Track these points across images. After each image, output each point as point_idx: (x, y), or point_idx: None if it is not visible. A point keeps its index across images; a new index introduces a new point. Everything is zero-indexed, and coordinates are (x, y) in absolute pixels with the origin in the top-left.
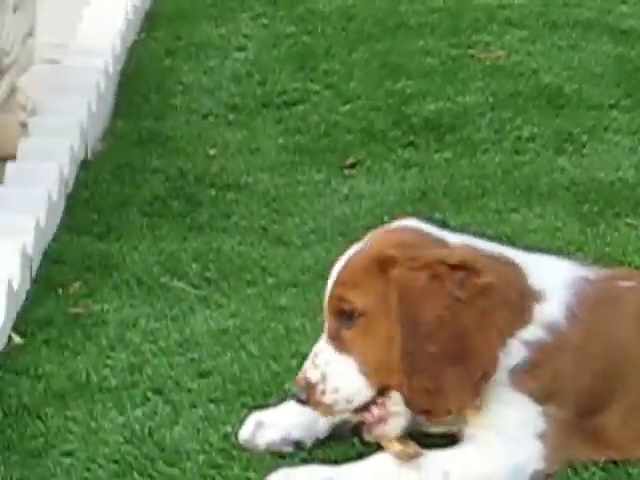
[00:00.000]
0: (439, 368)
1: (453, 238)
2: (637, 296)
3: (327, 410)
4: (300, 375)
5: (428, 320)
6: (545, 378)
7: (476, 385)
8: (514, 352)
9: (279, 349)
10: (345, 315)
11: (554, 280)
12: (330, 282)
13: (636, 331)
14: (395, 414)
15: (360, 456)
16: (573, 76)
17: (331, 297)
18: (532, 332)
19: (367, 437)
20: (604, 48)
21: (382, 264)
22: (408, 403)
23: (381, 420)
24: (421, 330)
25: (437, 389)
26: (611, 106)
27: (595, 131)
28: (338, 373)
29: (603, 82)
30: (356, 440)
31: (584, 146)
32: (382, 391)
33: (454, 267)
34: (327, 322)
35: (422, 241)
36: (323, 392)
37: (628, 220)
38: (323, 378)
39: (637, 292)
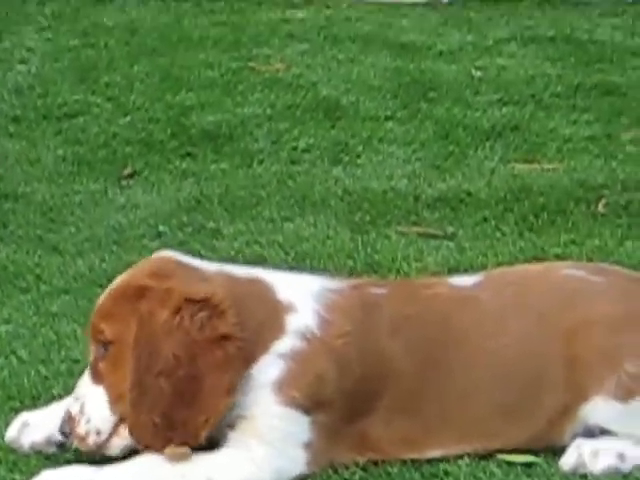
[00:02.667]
0: (169, 405)
1: (210, 267)
2: (387, 301)
3: (82, 443)
4: (66, 408)
5: (164, 356)
6: (309, 386)
7: (199, 430)
8: (271, 366)
9: (49, 354)
10: (101, 345)
11: (301, 292)
12: (94, 310)
13: (392, 336)
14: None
15: (126, 457)
16: (351, 88)
17: (91, 326)
18: (286, 343)
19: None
20: (383, 61)
21: (134, 294)
22: (132, 434)
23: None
24: (155, 364)
25: (164, 427)
26: (387, 118)
27: (370, 142)
28: (91, 404)
29: (380, 95)
30: None
31: (359, 157)
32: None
33: (199, 303)
34: (91, 351)
35: (177, 270)
36: (79, 423)
37: (399, 228)
38: (81, 410)
39: (389, 299)
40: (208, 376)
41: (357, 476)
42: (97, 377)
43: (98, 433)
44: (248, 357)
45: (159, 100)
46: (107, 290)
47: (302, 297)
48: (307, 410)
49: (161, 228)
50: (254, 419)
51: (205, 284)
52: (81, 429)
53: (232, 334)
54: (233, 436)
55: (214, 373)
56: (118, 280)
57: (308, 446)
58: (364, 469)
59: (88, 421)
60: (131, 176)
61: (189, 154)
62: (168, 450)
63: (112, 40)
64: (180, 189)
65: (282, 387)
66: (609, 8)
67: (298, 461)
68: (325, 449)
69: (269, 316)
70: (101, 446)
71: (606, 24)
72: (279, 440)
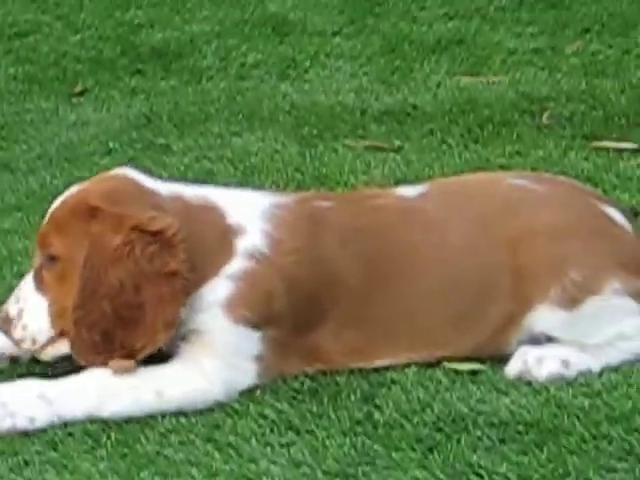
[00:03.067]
0: (108, 328)
1: (165, 189)
2: (337, 215)
3: (17, 345)
4: (3, 306)
5: (111, 282)
6: (258, 304)
7: (134, 354)
8: (220, 287)
9: (1, 269)
10: (48, 255)
11: (250, 213)
12: (45, 218)
13: (340, 249)
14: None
15: (77, 370)
16: (298, 4)
17: (40, 234)
18: (236, 264)
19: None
20: None
21: (86, 213)
22: (73, 350)
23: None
24: (101, 287)
25: (103, 345)
26: (334, 33)
27: (318, 57)
28: (31, 311)
29: (327, 10)
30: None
31: (307, 72)
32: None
33: (151, 234)
34: (36, 257)
35: (133, 191)
36: (15, 327)
37: (346, 142)
38: (19, 314)
39: (336, 212)
40: (151, 307)
41: (306, 386)
42: (40, 285)
43: (33, 342)
44: (197, 282)
45: (109, 18)
46: (60, 200)
47: (251, 218)
48: (257, 326)
49: (111, 145)
50: (206, 334)
51: (159, 213)
52: (17, 334)
53: (180, 271)
54: (184, 349)
55: (157, 305)
56: (73, 192)
57: (259, 359)
58: (313, 379)
59: (24, 328)
60: (81, 94)
61: (139, 71)
62: (112, 363)
63: None
64: (130, 106)
65: (231, 306)
66: None
67: (248, 373)
68: (275, 361)
69: (220, 241)
70: (35, 352)
71: None
72: (230, 354)
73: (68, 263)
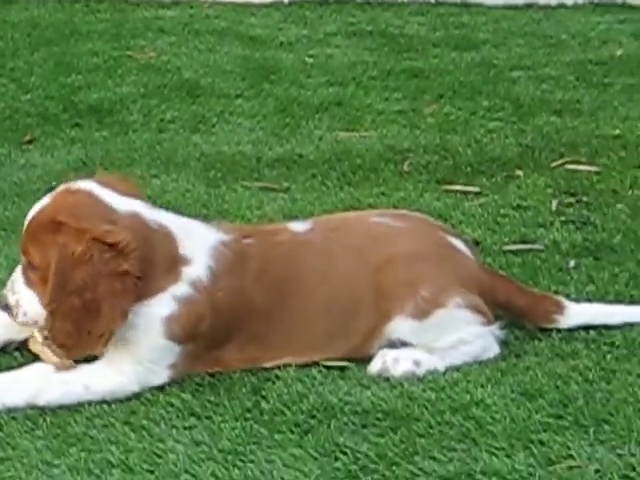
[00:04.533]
0: (78, 317)
1: (124, 207)
2: (254, 250)
3: (22, 325)
4: (3, 292)
5: (76, 281)
6: (187, 325)
7: (99, 338)
8: (165, 304)
9: None
10: (29, 262)
11: (199, 246)
12: (24, 226)
13: (253, 280)
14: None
15: (21, 365)
16: (208, 72)
17: (22, 243)
18: (181, 289)
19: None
20: (235, 51)
21: (54, 227)
22: (50, 337)
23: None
24: (68, 286)
25: (74, 332)
26: (237, 96)
27: (223, 115)
28: (26, 302)
29: (232, 77)
30: (19, 354)
31: (214, 126)
32: None
33: (107, 245)
34: (22, 258)
35: (94, 207)
36: (17, 315)
37: (244, 183)
38: (17, 304)
39: (255, 247)
40: (107, 301)
41: (206, 380)
42: (29, 282)
43: (35, 323)
44: (143, 293)
45: (54, 81)
46: (34, 213)
47: (199, 252)
48: (180, 341)
49: (54, 184)
50: (136, 343)
51: (115, 227)
52: (19, 319)
53: (131, 271)
54: (111, 352)
55: (112, 299)
56: (43, 205)
57: (172, 367)
58: (211, 375)
59: (25, 314)
60: (30, 142)
61: (77, 124)
62: (58, 361)
63: (17, 33)
64: (70, 152)
65: (169, 323)
66: (416, 8)
67: (161, 377)
68: (185, 369)
69: (169, 265)
70: (40, 329)
71: (414, 21)
72: (149, 361)
73: (45, 269)
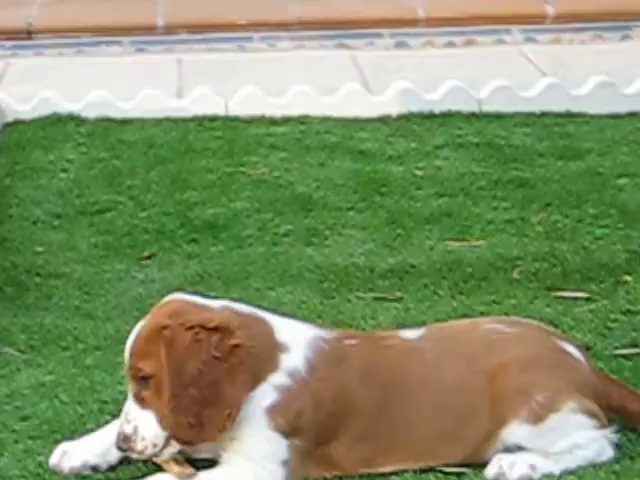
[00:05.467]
0: (198, 409)
1: (215, 304)
2: (358, 351)
3: (141, 454)
4: (119, 430)
5: (190, 372)
6: (290, 416)
7: (224, 421)
8: (266, 394)
9: (84, 397)
10: (141, 379)
11: (296, 336)
12: (126, 353)
13: (357, 379)
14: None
15: (144, 476)
16: (320, 186)
17: (129, 367)
18: (280, 378)
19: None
20: (345, 164)
21: (159, 332)
22: (174, 436)
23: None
24: (185, 379)
25: (197, 424)
26: (348, 208)
27: (336, 227)
28: (143, 425)
29: (343, 190)
30: (142, 464)
31: (327, 239)
32: None
33: (212, 330)
34: (130, 386)
35: (189, 308)
36: (135, 441)
37: (358, 294)
38: (135, 431)
39: (358, 348)
40: (227, 379)
41: None
42: (143, 404)
43: (154, 446)
44: (255, 368)
45: (170, 198)
46: (134, 335)
47: (296, 341)
48: (287, 435)
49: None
50: (243, 440)
51: (215, 315)
52: (139, 446)
53: (242, 344)
54: (226, 456)
55: (231, 375)
56: (143, 323)
57: (285, 463)
58: None
59: (143, 439)
60: (148, 257)
61: (194, 239)
62: (178, 470)
63: (133, 152)
64: (187, 267)
65: (273, 413)
66: (522, 119)
67: (277, 475)
68: (298, 466)
69: (268, 352)
70: (156, 454)
71: (519, 132)
72: (262, 457)
73: (158, 376)
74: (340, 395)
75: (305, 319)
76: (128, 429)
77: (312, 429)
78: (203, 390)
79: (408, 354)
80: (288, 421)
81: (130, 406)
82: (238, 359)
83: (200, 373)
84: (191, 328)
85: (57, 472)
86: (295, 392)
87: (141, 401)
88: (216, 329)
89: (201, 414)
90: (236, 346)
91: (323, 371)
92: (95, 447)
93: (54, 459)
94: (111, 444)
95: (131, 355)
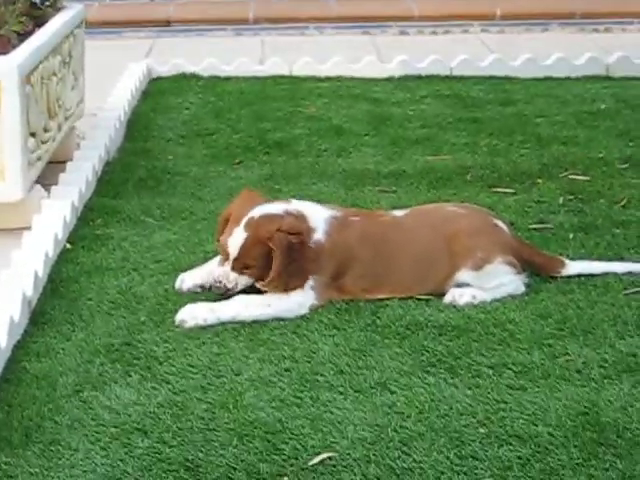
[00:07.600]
0: (293, 274)
1: (279, 208)
2: (359, 223)
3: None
4: (220, 284)
5: (290, 258)
6: (318, 259)
7: (301, 284)
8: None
9: (194, 249)
10: (244, 267)
11: (319, 219)
12: (233, 250)
13: (357, 240)
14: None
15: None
16: (348, 120)
17: (236, 260)
18: (312, 247)
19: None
20: (364, 107)
21: (263, 240)
22: (273, 288)
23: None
24: (285, 260)
25: (288, 282)
26: (365, 134)
27: (357, 146)
28: (242, 281)
29: (362, 123)
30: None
31: (351, 153)
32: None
33: (295, 234)
34: (232, 263)
35: (266, 220)
36: (236, 286)
37: (369, 188)
38: (236, 285)
39: (359, 222)
40: (303, 261)
41: (343, 307)
42: (241, 273)
43: (236, 285)
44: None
45: (253, 126)
46: (242, 238)
47: (319, 222)
48: (311, 273)
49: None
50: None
51: (291, 222)
52: (230, 285)
53: (305, 240)
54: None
55: (304, 258)
56: (248, 233)
57: (313, 289)
58: (346, 303)
59: (237, 285)
60: (238, 163)
61: (267, 152)
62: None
63: (231, 97)
64: (262, 170)
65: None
66: (477, 80)
67: (310, 297)
68: (322, 292)
69: (308, 236)
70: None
71: (476, 88)
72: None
73: (257, 265)
74: (346, 249)
75: (331, 204)
76: (230, 285)
77: (327, 268)
78: (296, 266)
79: (395, 225)
80: (314, 262)
81: (227, 272)
82: (306, 249)
83: (292, 257)
84: (289, 233)
85: (178, 293)
86: (319, 252)
87: (240, 271)
88: (296, 233)
89: (289, 282)
90: (304, 242)
91: (334, 236)
92: (200, 275)
93: (176, 284)
94: (210, 272)
95: (239, 256)
